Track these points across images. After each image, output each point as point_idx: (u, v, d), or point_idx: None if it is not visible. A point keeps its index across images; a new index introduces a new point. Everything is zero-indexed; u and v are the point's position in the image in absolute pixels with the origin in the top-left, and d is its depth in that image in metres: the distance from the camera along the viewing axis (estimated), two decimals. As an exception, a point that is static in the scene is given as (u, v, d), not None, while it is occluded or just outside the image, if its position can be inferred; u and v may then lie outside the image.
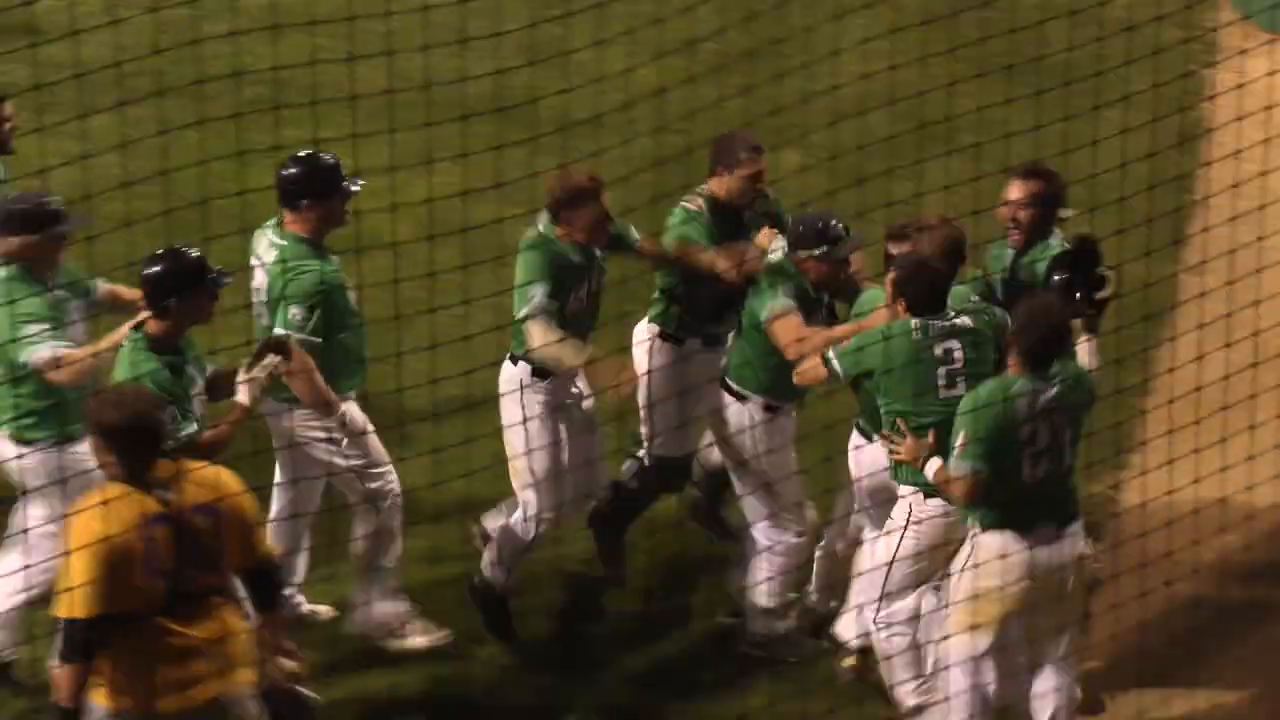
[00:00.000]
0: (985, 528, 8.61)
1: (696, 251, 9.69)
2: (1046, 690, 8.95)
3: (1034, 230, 9.69)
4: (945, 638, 8.97)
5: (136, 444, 6.94)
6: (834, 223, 9.72)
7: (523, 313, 9.28)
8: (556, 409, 9.71)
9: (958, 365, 9.08)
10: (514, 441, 9.72)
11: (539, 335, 9.18)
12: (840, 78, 10.70)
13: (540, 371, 9.53)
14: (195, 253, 8.67)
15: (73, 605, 6.68)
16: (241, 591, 7.98)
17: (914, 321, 8.97)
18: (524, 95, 9.99)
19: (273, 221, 9.30)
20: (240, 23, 9.86)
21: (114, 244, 9.50)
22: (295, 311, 9.13)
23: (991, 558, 8.56)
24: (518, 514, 9.83)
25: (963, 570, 8.70)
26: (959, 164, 10.72)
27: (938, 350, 9.03)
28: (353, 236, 9.63)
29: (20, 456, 8.77)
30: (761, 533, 9.88)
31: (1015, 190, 9.76)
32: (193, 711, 7.44)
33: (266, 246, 9.30)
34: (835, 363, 9.16)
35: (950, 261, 9.54)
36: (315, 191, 9.14)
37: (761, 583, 9.88)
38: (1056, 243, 9.79)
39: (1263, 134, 11.14)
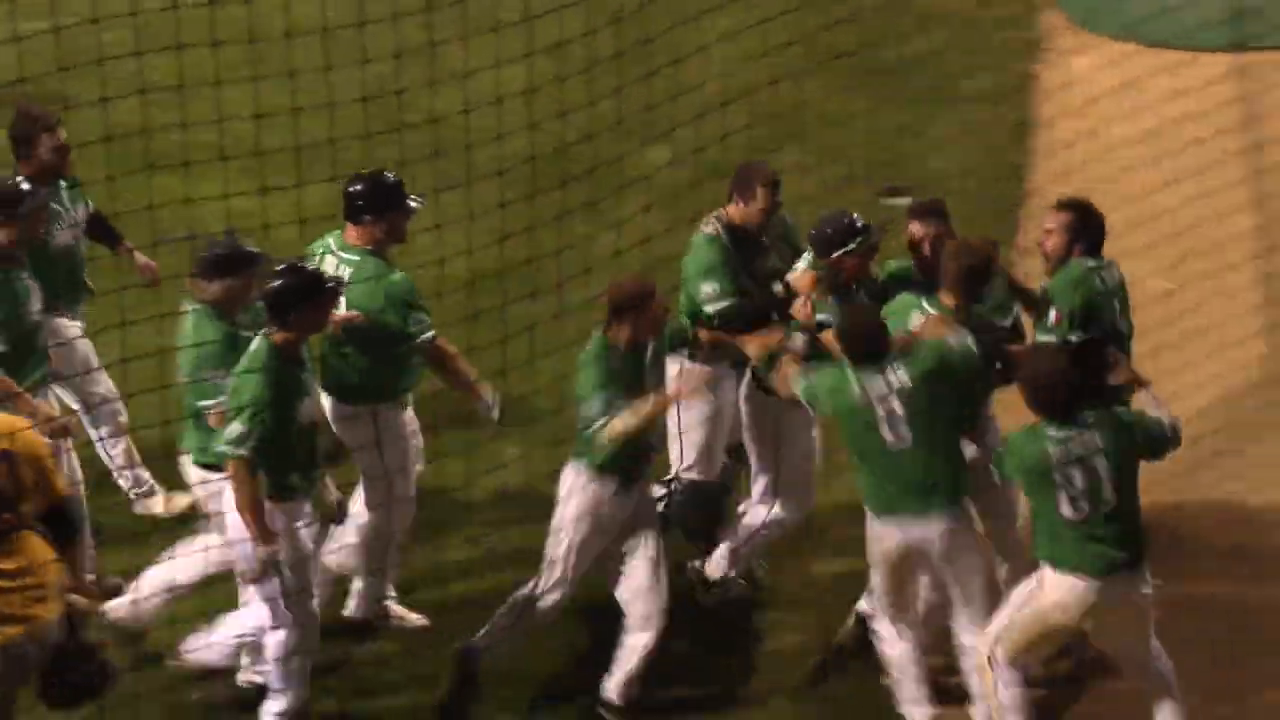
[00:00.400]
0: (1053, 566, 8.98)
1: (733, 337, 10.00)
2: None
3: (1058, 258, 9.97)
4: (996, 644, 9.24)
5: None
6: (855, 217, 9.98)
7: (595, 424, 9.53)
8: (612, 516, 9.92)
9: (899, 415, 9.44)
10: (562, 529, 9.80)
11: (620, 429, 9.42)
12: (702, 77, 11.02)
13: (610, 474, 9.63)
14: (312, 266, 9.25)
15: None
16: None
17: (851, 372, 9.27)
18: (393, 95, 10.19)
19: (329, 240, 9.65)
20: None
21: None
22: (419, 316, 9.48)
23: (1054, 596, 8.89)
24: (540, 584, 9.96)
25: (1027, 599, 9.02)
26: (810, 154, 11.44)
27: (878, 407, 9.41)
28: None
29: (203, 482, 9.23)
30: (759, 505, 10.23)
31: (1049, 220, 10.06)
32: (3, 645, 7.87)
33: (335, 265, 9.58)
34: (802, 397, 9.48)
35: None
36: (379, 207, 9.51)
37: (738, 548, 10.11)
38: (1077, 264, 10.02)
39: (1087, 124, 11.48)
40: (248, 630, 9.59)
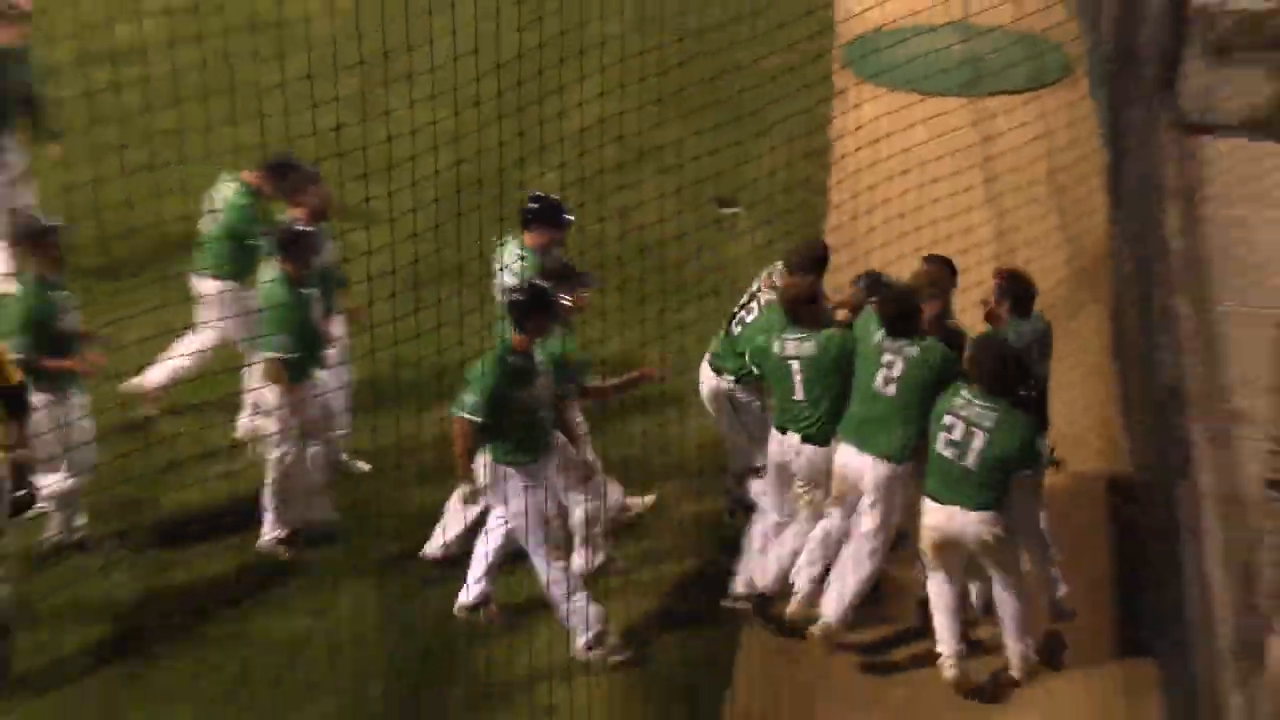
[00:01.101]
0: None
1: None
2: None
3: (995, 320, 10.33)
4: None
5: None
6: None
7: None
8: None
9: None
10: None
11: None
12: (584, 121, 11.60)
13: None
14: (537, 281, 10.17)
15: None
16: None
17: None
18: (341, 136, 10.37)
19: (512, 239, 10.90)
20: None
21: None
22: None
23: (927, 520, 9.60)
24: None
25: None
26: (668, 180, 12.42)
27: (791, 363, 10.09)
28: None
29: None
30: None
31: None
32: None
33: (514, 256, 10.92)
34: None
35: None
36: (545, 220, 11.00)
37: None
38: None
39: (871, 156, 12.54)
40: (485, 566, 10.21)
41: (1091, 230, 14.23)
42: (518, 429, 9.87)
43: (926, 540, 9.74)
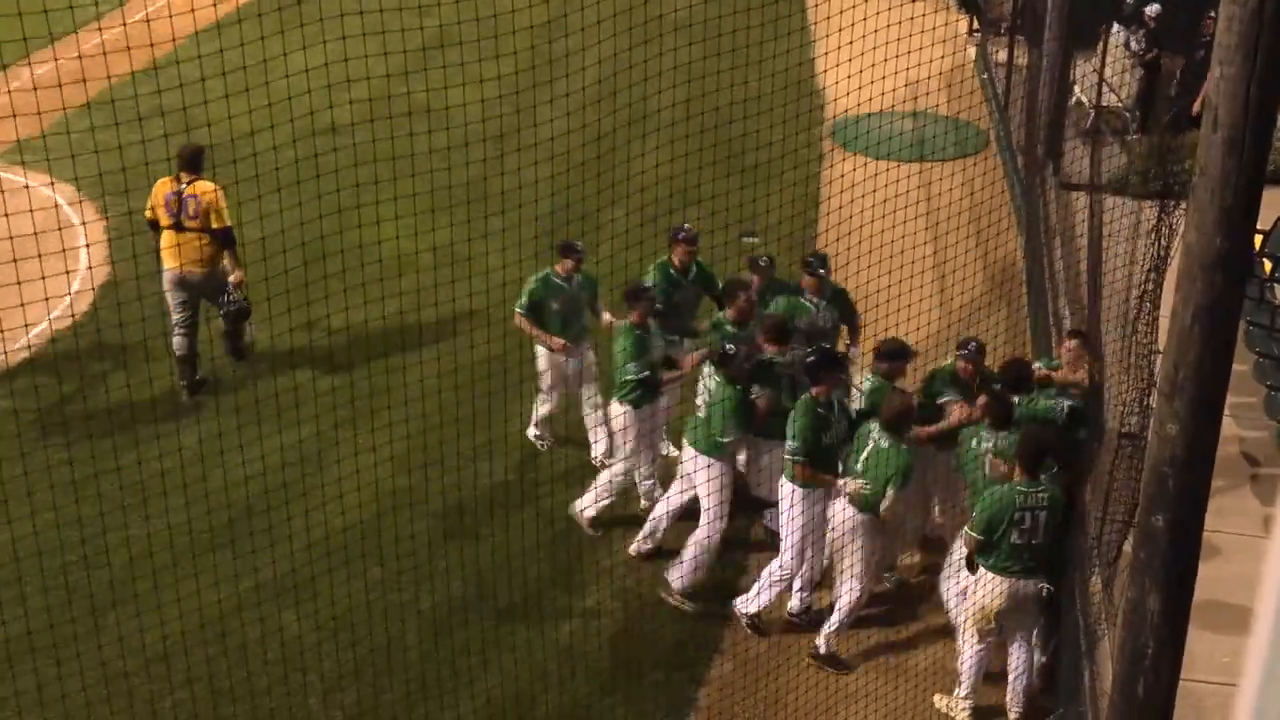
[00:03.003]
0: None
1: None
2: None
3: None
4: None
5: None
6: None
7: None
8: None
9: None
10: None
11: None
12: (645, 171, 12.46)
13: None
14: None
15: None
16: None
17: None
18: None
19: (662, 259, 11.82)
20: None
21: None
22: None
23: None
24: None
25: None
26: (705, 216, 12.99)
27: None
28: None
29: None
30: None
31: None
32: None
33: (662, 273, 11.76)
34: None
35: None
36: (674, 238, 12.06)
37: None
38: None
39: (848, 201, 12.86)
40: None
41: (1002, 254, 15.45)
42: (815, 460, 10.22)
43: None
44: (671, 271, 11.96)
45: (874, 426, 10.13)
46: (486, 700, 10.22)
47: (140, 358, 12.66)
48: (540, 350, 12.11)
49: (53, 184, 14.88)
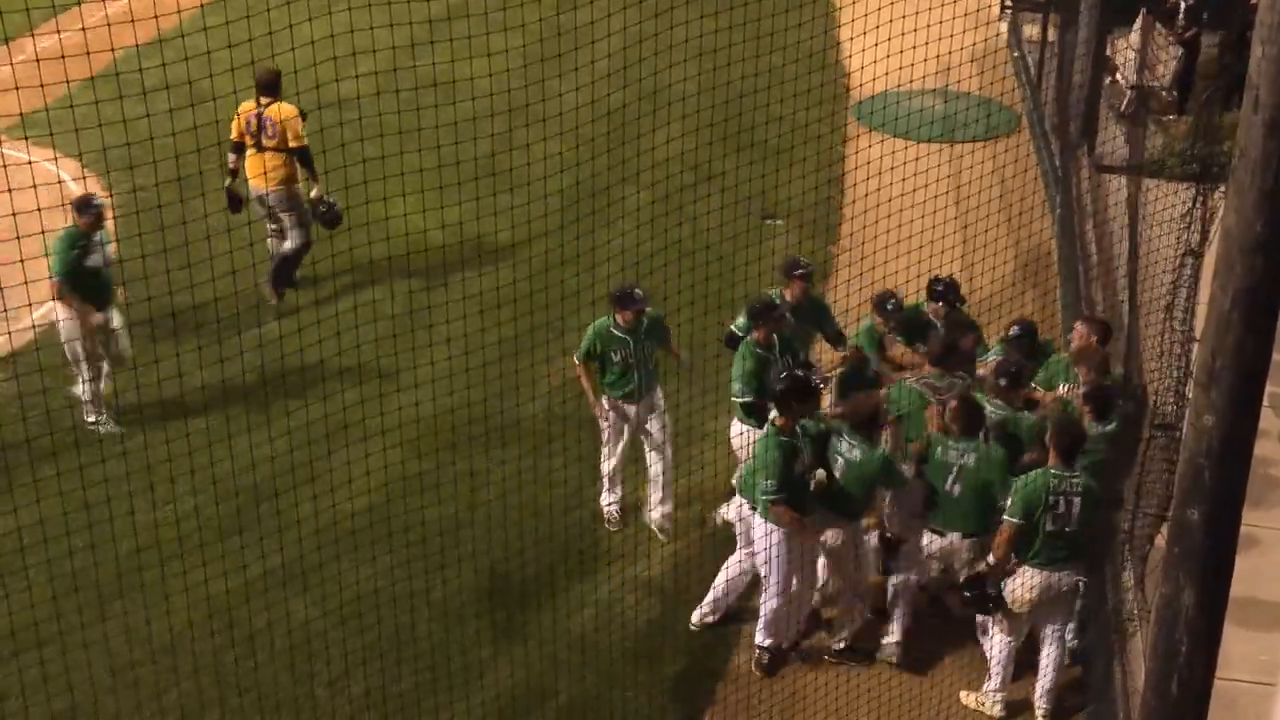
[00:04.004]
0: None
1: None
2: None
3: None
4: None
5: None
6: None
7: None
8: None
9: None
10: None
11: None
12: (667, 152, 12.67)
13: None
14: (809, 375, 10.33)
15: None
16: None
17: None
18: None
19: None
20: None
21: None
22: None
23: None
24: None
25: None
26: (727, 197, 12.85)
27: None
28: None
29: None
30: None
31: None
32: None
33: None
34: None
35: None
36: (789, 274, 11.84)
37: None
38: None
39: (874, 184, 12.68)
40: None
41: (1032, 238, 15.45)
42: (794, 492, 10.12)
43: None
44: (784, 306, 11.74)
45: (841, 440, 10.21)
46: (497, 692, 10.29)
47: (146, 338, 12.68)
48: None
49: (56, 159, 15.05)
